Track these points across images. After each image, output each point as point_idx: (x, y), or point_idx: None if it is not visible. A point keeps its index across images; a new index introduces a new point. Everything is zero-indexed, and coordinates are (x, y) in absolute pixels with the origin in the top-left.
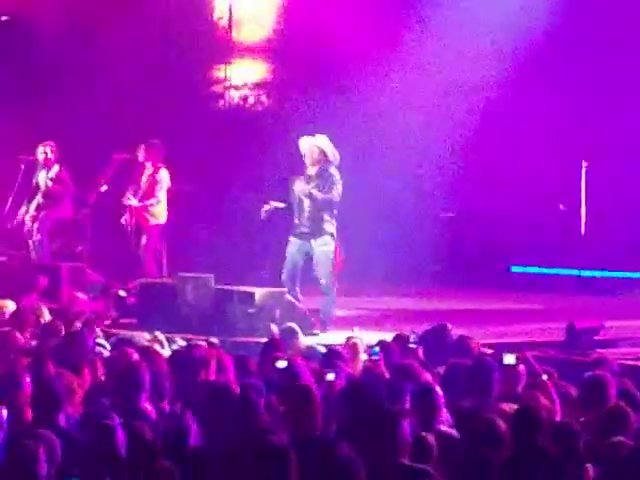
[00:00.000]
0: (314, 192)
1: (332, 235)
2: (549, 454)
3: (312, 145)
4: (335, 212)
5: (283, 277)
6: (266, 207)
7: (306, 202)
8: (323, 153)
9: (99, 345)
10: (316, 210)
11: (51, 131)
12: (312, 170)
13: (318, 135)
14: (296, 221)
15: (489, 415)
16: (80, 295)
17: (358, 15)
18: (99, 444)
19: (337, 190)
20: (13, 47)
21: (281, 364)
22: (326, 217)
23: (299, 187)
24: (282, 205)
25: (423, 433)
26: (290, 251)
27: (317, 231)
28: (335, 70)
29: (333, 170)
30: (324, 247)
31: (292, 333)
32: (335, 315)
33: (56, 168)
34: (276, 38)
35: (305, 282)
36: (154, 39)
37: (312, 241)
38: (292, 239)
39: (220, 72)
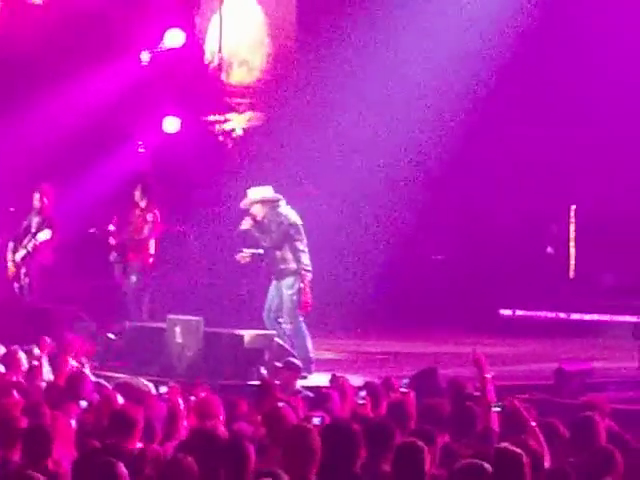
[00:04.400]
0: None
1: (295, 273)
2: None
3: (252, 203)
4: (298, 246)
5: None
6: (242, 255)
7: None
8: (263, 202)
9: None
10: (273, 250)
11: None
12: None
13: (250, 191)
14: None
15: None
16: (73, 337)
17: None
18: None
19: (283, 226)
20: None
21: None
22: (285, 255)
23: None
24: (259, 251)
25: None
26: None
27: (279, 272)
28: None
29: (280, 210)
30: (287, 290)
31: (293, 368)
32: (311, 357)
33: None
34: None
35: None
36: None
37: (281, 281)
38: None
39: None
